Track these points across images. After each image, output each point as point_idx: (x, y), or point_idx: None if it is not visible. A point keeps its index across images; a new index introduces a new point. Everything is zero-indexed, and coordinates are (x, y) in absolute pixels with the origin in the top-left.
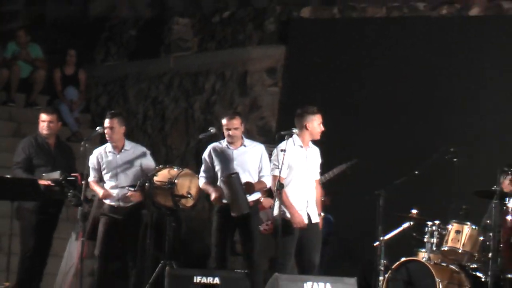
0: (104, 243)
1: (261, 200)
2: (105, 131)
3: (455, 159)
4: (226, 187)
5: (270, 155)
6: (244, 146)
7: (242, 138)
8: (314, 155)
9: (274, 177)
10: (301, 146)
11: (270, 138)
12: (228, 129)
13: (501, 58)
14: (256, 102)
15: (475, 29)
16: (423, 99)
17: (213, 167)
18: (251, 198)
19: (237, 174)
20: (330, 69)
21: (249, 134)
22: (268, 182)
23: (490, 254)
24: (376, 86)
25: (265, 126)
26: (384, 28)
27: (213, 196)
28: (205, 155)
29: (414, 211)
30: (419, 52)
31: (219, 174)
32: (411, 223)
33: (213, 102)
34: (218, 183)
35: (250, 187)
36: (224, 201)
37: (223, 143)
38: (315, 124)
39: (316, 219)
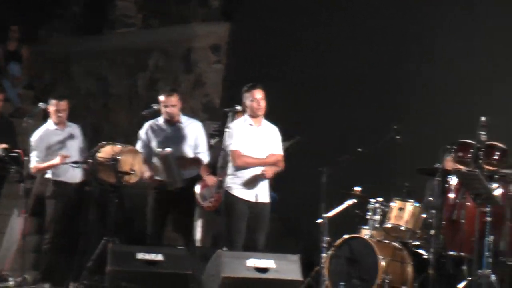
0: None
1: (204, 177)
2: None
3: (398, 137)
4: (161, 162)
5: (217, 132)
6: (181, 123)
7: (179, 115)
8: (267, 133)
9: (232, 152)
10: (251, 124)
11: (214, 115)
12: (166, 106)
13: (446, 36)
14: (200, 79)
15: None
16: (366, 76)
17: (149, 144)
18: (188, 174)
19: (170, 149)
20: (274, 46)
21: (193, 111)
22: (205, 159)
23: (432, 232)
24: (320, 63)
25: (209, 103)
26: (329, 3)
27: (146, 174)
28: (142, 132)
29: (357, 189)
30: (363, 29)
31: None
32: (354, 200)
33: (156, 79)
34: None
35: (184, 162)
36: (158, 177)
37: (160, 120)
38: (248, 101)
39: (264, 198)
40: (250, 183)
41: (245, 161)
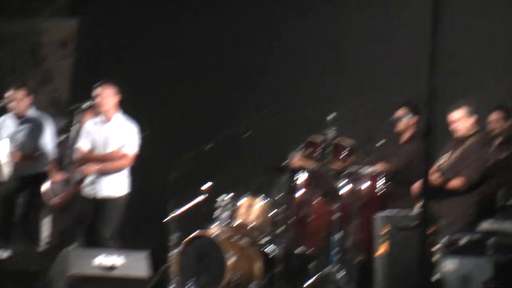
0: None
1: (52, 174)
2: None
3: (247, 133)
4: None
5: (65, 128)
6: (29, 118)
7: (26, 110)
8: (115, 130)
9: (76, 148)
10: (99, 121)
11: (63, 111)
12: (12, 101)
13: (293, 35)
14: (49, 75)
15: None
16: (217, 73)
17: None
18: (30, 170)
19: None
20: (123, 41)
21: (42, 106)
22: (48, 156)
23: (280, 229)
24: (169, 59)
25: (58, 98)
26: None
27: None
28: None
29: (206, 186)
30: (209, 24)
31: None
32: (204, 197)
33: (3, 74)
34: None
35: (21, 157)
36: None
37: (8, 115)
38: (95, 98)
39: (108, 192)
40: (90, 179)
41: (84, 158)
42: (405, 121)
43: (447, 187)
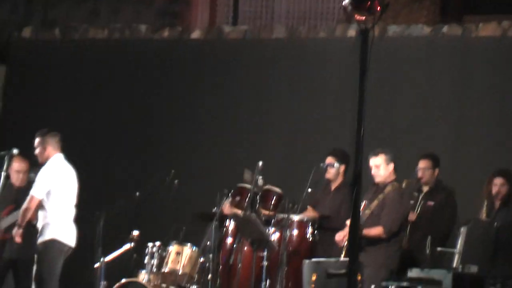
0: None
1: None
2: None
3: (175, 181)
4: None
5: None
6: None
7: None
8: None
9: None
10: None
11: None
12: None
13: (219, 83)
14: None
15: (195, 52)
16: (143, 119)
17: None
18: None
19: None
20: (53, 90)
21: None
22: None
23: (209, 276)
24: (95, 107)
25: None
26: (105, 50)
27: None
28: None
29: (135, 233)
30: (142, 75)
31: None
32: (132, 244)
33: None
34: None
35: None
36: None
37: None
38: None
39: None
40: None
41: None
42: (334, 169)
43: (368, 236)
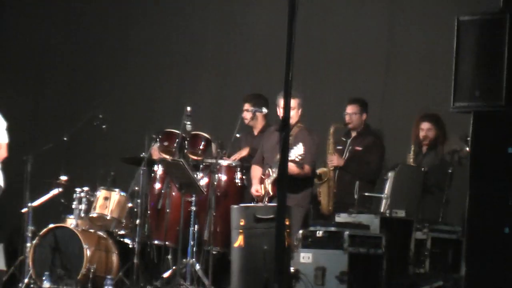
0: None
1: None
2: None
3: (103, 126)
4: None
5: None
6: None
7: None
8: None
9: None
10: None
11: None
12: None
13: (147, 21)
14: None
15: None
16: (71, 63)
17: None
18: None
19: None
20: None
21: None
22: None
23: (137, 221)
24: (24, 46)
25: None
26: None
27: None
28: None
29: (63, 178)
30: (69, 12)
31: None
32: (60, 189)
33: None
34: None
35: None
36: None
37: None
38: None
39: None
40: None
41: None
42: (257, 114)
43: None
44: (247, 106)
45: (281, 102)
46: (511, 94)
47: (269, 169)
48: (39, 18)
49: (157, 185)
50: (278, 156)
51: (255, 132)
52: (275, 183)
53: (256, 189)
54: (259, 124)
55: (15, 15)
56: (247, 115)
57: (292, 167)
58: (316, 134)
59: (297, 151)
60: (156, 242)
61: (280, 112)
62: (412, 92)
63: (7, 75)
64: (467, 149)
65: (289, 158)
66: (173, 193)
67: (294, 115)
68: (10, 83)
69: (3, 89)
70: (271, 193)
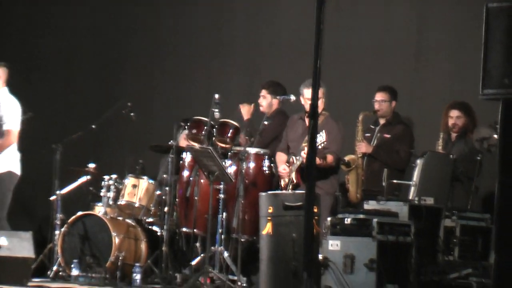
0: None
1: None
2: None
3: (132, 114)
4: None
5: None
6: None
7: None
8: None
9: None
10: None
11: None
12: None
13: (177, 12)
14: None
15: None
16: (100, 52)
17: None
18: None
19: None
20: (9, 19)
21: None
22: None
23: (166, 209)
24: (53, 37)
25: None
26: None
27: None
28: None
29: (91, 165)
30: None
31: None
32: (88, 177)
33: None
34: None
35: None
36: None
37: None
38: None
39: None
40: None
41: None
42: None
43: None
44: (264, 92)
45: (304, 91)
46: None
47: (293, 157)
48: (69, 6)
49: (186, 173)
50: (303, 145)
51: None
52: (299, 171)
53: (284, 167)
54: (272, 110)
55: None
56: (262, 102)
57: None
58: (341, 123)
59: (318, 139)
60: (184, 230)
61: (304, 101)
62: (441, 80)
63: (37, 64)
64: (496, 136)
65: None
66: (202, 181)
67: (320, 104)
68: (40, 72)
69: (33, 78)
70: (295, 181)
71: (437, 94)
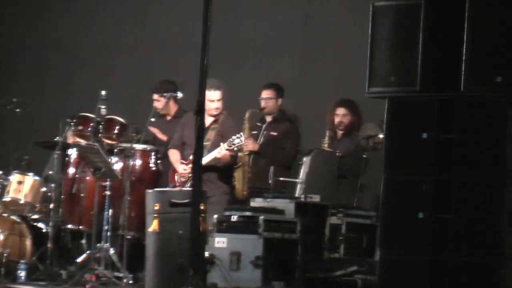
0: None
1: None
2: None
3: (17, 109)
4: None
5: None
6: None
7: None
8: None
9: None
10: None
11: None
12: None
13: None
14: None
15: None
16: None
17: None
18: None
19: None
20: None
21: None
22: None
23: (52, 205)
24: None
25: None
26: None
27: None
28: None
29: None
30: None
31: None
32: None
33: None
34: None
35: None
36: None
37: None
38: None
39: None
40: None
41: None
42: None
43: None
44: (156, 96)
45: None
46: (425, 80)
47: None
48: None
49: (71, 170)
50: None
51: (168, 118)
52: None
53: (183, 168)
54: (171, 110)
55: None
56: (158, 105)
57: (227, 156)
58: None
59: (236, 141)
60: (70, 226)
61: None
62: (328, 78)
63: None
64: (382, 135)
65: (228, 147)
66: (88, 178)
67: (219, 105)
68: None
69: None
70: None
71: (324, 92)
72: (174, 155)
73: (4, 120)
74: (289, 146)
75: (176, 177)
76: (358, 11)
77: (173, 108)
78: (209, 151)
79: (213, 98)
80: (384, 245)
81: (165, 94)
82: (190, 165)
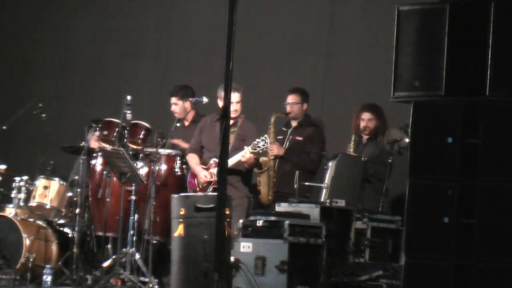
0: None
1: None
2: None
3: (43, 115)
4: None
5: None
6: None
7: None
8: None
9: None
10: None
11: None
12: None
13: (86, 11)
14: None
15: None
16: (9, 52)
17: None
18: None
19: None
20: None
21: None
22: None
23: (77, 210)
24: None
25: None
26: None
27: None
28: None
29: (1, 167)
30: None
31: None
32: None
33: None
34: None
35: None
36: None
37: None
38: None
39: None
40: None
41: None
42: (185, 105)
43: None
44: (174, 100)
45: (222, 94)
46: (450, 84)
47: (216, 159)
48: None
49: (97, 174)
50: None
51: (186, 124)
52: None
53: (205, 174)
54: (189, 115)
55: None
56: (176, 109)
57: (252, 160)
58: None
59: (261, 143)
60: (96, 231)
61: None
62: (353, 83)
63: None
64: (407, 139)
65: (253, 150)
66: (113, 183)
67: (238, 108)
68: None
69: None
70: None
71: (349, 96)
72: (193, 159)
73: (30, 125)
74: (314, 150)
75: (195, 182)
76: (383, 16)
77: (190, 113)
78: (231, 154)
79: (231, 100)
80: (409, 250)
81: (190, 99)
82: (211, 170)
